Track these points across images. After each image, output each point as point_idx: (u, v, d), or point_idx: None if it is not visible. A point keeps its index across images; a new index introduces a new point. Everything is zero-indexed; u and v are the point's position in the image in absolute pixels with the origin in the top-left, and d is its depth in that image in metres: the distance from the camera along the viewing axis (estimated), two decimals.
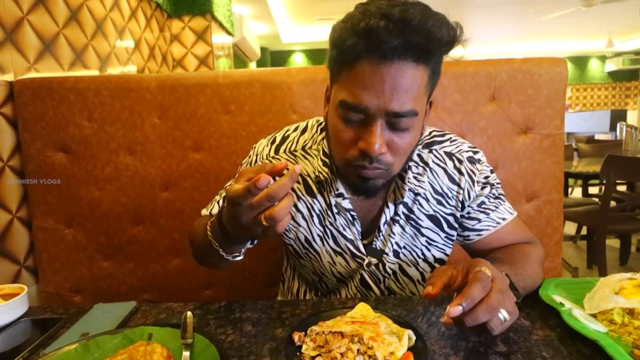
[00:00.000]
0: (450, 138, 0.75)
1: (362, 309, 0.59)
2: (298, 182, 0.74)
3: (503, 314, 0.48)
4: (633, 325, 0.53)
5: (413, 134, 0.61)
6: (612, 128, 6.70)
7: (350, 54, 0.56)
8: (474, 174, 0.72)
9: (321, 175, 0.71)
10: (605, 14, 5.82)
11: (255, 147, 0.80)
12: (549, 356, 0.50)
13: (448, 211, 0.73)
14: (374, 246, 0.73)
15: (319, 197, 0.73)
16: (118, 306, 0.70)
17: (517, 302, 0.54)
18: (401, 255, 0.74)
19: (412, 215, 0.72)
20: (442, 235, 0.74)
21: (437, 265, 0.76)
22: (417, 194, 0.71)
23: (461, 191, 0.72)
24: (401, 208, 0.71)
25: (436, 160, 0.73)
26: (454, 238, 0.76)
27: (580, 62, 9.77)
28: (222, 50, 3.29)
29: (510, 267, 0.61)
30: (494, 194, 0.74)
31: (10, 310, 0.67)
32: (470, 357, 0.51)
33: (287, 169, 0.49)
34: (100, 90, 1.17)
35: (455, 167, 0.72)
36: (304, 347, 0.51)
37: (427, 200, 0.72)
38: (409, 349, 0.50)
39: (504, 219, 0.73)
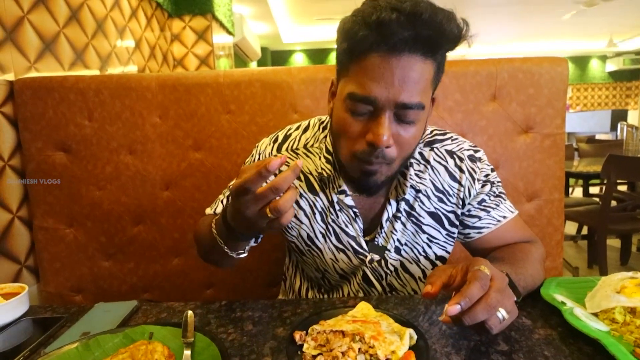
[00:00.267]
0: (452, 137, 0.76)
1: (364, 308, 0.59)
2: (300, 180, 0.75)
3: (502, 313, 0.48)
4: (635, 324, 0.53)
5: (418, 128, 0.61)
6: (613, 128, 6.69)
7: (360, 46, 0.56)
8: (475, 172, 0.73)
9: (324, 172, 0.72)
10: (606, 14, 5.82)
11: (257, 146, 0.80)
12: (550, 355, 0.50)
13: (449, 208, 0.73)
14: (376, 243, 0.73)
15: (321, 194, 0.74)
16: (119, 305, 0.70)
17: (517, 302, 0.54)
18: (402, 252, 0.74)
19: (413, 212, 0.73)
20: (443, 232, 0.74)
21: (438, 262, 0.76)
22: (418, 191, 0.72)
23: (462, 189, 0.73)
24: (403, 205, 0.72)
25: (437, 158, 0.73)
26: (455, 236, 0.76)
27: (581, 62, 9.77)
28: (222, 50, 3.29)
29: (511, 266, 0.61)
30: (494, 192, 0.74)
31: (11, 309, 0.67)
32: (472, 356, 0.51)
33: (288, 164, 0.50)
34: (100, 90, 1.17)
35: (456, 165, 0.73)
36: (305, 346, 0.51)
37: (428, 197, 0.73)
38: (411, 348, 0.50)
39: (504, 217, 0.74)
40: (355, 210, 0.72)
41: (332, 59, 8.36)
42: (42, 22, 1.32)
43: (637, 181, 2.62)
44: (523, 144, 1.14)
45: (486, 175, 0.73)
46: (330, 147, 0.72)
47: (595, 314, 0.57)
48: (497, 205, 0.74)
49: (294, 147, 0.77)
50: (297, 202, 0.75)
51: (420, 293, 0.78)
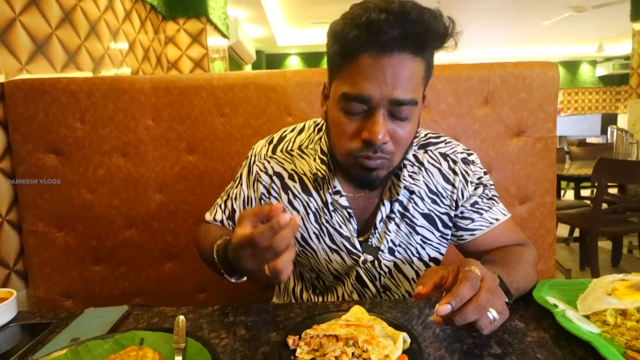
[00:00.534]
0: (445, 140, 0.77)
1: (357, 312, 0.59)
2: (294, 181, 0.76)
3: (492, 314, 0.49)
4: (626, 326, 0.54)
5: (412, 125, 0.62)
6: (603, 131, 6.79)
7: (351, 47, 0.58)
8: (468, 174, 0.74)
9: (319, 173, 0.72)
10: (595, 20, 5.92)
11: (253, 148, 0.81)
12: (543, 357, 0.51)
13: (443, 210, 0.74)
14: (370, 244, 0.73)
15: (315, 195, 0.74)
16: (109, 310, 0.69)
17: (509, 303, 0.55)
18: (396, 253, 0.75)
19: (407, 214, 0.73)
20: (437, 234, 0.75)
21: (432, 264, 0.77)
22: (412, 193, 0.73)
23: (455, 191, 0.73)
24: (397, 206, 0.72)
25: (431, 161, 0.74)
26: (449, 238, 0.77)
27: (572, 66, 9.91)
28: (217, 53, 3.29)
29: (503, 269, 0.61)
30: (487, 195, 0.75)
31: None
32: (465, 359, 0.51)
33: (284, 211, 0.50)
34: (93, 92, 1.16)
35: (449, 167, 0.74)
36: (298, 350, 0.51)
37: (422, 199, 0.73)
38: (404, 351, 0.50)
39: (497, 219, 0.74)
40: (349, 210, 0.72)
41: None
42: (34, 23, 1.31)
43: (627, 184, 2.65)
44: (515, 148, 1.15)
45: (479, 178, 0.74)
46: (325, 148, 0.73)
47: (587, 316, 0.58)
48: (490, 208, 0.74)
49: (289, 148, 0.77)
50: (290, 203, 0.76)
51: (413, 297, 0.78)
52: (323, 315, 0.59)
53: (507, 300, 0.55)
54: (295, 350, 0.51)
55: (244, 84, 1.15)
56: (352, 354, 0.48)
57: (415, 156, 0.74)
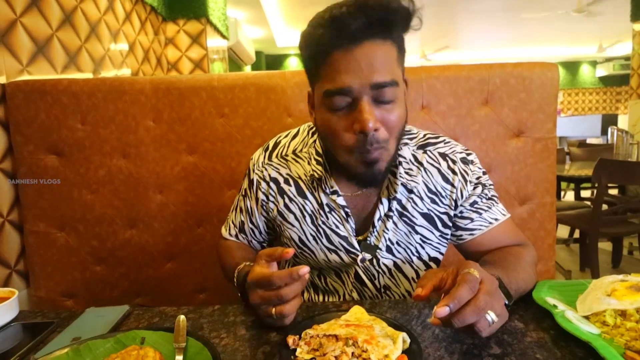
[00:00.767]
0: (444, 140, 0.77)
1: (357, 312, 0.59)
2: (289, 185, 0.77)
3: (491, 316, 0.49)
4: (625, 327, 0.54)
5: (399, 108, 0.63)
6: (604, 132, 6.78)
7: (322, 47, 0.60)
8: (467, 174, 0.74)
9: (315, 174, 0.73)
10: (595, 20, 5.92)
11: (252, 158, 0.83)
12: (542, 358, 0.51)
13: (442, 210, 0.74)
14: (368, 242, 0.74)
15: (311, 197, 0.76)
16: (110, 310, 0.69)
17: (508, 305, 0.55)
18: (395, 252, 0.75)
19: (405, 212, 0.74)
20: (437, 234, 0.75)
21: (431, 263, 0.77)
22: (410, 192, 0.73)
23: (454, 190, 0.74)
24: (395, 204, 0.73)
25: (430, 161, 0.75)
26: (448, 237, 0.77)
27: (572, 67, 9.91)
28: (217, 53, 3.29)
29: (503, 270, 0.61)
30: (486, 195, 0.75)
31: (0, 314, 0.66)
32: (465, 359, 0.51)
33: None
34: (93, 93, 1.17)
35: (449, 167, 0.74)
36: (298, 350, 0.51)
37: (421, 198, 0.74)
38: (404, 351, 0.50)
39: (496, 219, 0.75)
40: (347, 210, 0.73)
41: None
42: (35, 25, 1.31)
43: (628, 185, 2.65)
44: (515, 148, 1.15)
45: (478, 178, 0.75)
46: (320, 149, 0.74)
47: (587, 317, 0.58)
48: (490, 208, 0.75)
49: (284, 153, 0.79)
50: (286, 207, 0.77)
51: (413, 293, 0.78)
52: (323, 315, 0.60)
53: (506, 302, 0.55)
54: (295, 349, 0.52)
55: (244, 85, 1.16)
56: (352, 353, 0.49)
57: (414, 155, 0.74)
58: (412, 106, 1.14)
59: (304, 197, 0.76)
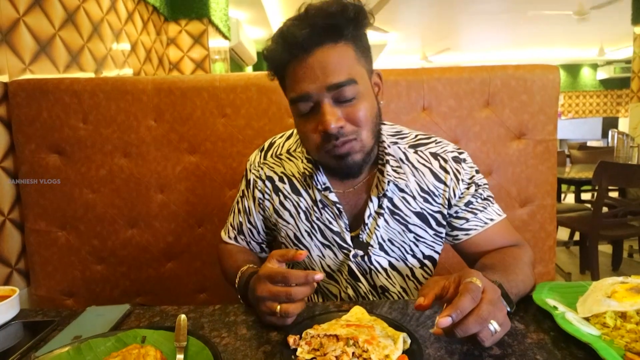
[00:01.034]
0: (436, 140, 0.79)
1: (358, 313, 0.59)
2: (284, 183, 0.80)
3: (494, 326, 0.48)
4: (625, 329, 0.54)
5: (365, 102, 0.65)
6: (604, 135, 6.78)
7: (279, 62, 0.66)
8: (459, 172, 0.75)
9: (306, 171, 0.76)
10: (596, 23, 5.93)
11: (249, 160, 0.86)
12: (542, 359, 0.51)
13: (435, 209, 0.75)
14: (360, 239, 0.75)
15: (305, 194, 0.78)
16: (111, 309, 0.69)
17: (510, 312, 0.55)
18: (389, 250, 0.76)
19: (397, 211, 0.75)
20: (431, 232, 0.76)
21: (426, 261, 0.78)
22: (402, 190, 0.74)
23: (447, 189, 0.75)
24: (385, 202, 0.74)
25: (421, 160, 0.76)
26: (443, 236, 0.78)
27: (573, 69, 9.93)
28: (218, 54, 3.30)
29: (503, 274, 0.61)
30: (481, 195, 0.76)
31: (1, 312, 0.67)
32: None
33: (302, 258, 0.60)
34: (96, 92, 1.17)
35: (440, 166, 0.75)
36: (299, 350, 0.51)
37: (414, 197, 0.75)
38: (404, 352, 0.50)
39: (491, 219, 0.75)
40: (338, 206, 0.75)
41: None
42: (37, 24, 1.31)
43: (628, 187, 2.65)
44: (516, 150, 1.15)
45: (471, 177, 0.75)
46: None
47: (587, 319, 0.58)
48: (485, 208, 0.75)
49: (278, 153, 0.82)
50: (282, 204, 0.80)
51: (409, 291, 0.79)
52: (324, 316, 0.60)
53: (508, 310, 0.54)
54: (296, 349, 0.52)
55: (245, 86, 1.16)
56: (353, 353, 0.49)
57: (405, 154, 0.76)
58: (413, 107, 1.15)
59: (298, 194, 0.78)
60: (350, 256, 0.75)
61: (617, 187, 2.85)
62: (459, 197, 0.75)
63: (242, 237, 0.88)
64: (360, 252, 0.75)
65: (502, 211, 0.77)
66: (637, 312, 0.55)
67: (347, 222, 0.75)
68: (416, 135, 0.79)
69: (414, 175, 0.75)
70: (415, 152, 0.76)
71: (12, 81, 1.17)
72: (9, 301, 0.68)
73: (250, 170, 0.84)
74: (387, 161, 0.73)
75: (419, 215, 0.75)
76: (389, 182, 0.72)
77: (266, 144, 0.85)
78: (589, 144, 5.57)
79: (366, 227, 0.74)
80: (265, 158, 0.83)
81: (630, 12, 3.96)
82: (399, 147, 0.76)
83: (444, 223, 0.76)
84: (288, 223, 0.79)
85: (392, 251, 0.76)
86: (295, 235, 0.79)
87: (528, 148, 1.15)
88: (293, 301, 0.58)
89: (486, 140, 1.15)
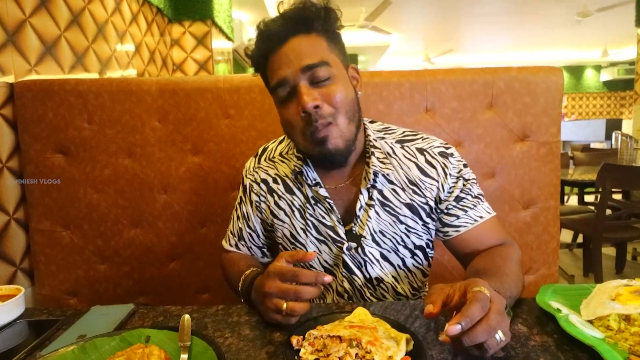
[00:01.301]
0: (422, 136, 0.80)
1: (361, 314, 0.59)
2: (277, 183, 0.82)
3: (499, 335, 0.48)
4: (629, 331, 0.54)
5: (339, 84, 0.69)
6: (608, 137, 6.76)
7: (260, 57, 0.72)
8: (447, 166, 0.76)
9: (296, 168, 0.78)
10: (600, 25, 5.91)
11: (244, 167, 0.89)
12: None
13: (424, 200, 0.77)
14: (353, 232, 0.77)
15: (298, 193, 0.80)
16: (115, 309, 0.70)
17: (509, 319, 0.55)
18: (380, 242, 0.77)
19: (387, 203, 0.76)
20: (420, 223, 0.78)
21: (417, 251, 0.79)
22: (390, 182, 0.76)
23: (435, 183, 0.76)
24: (375, 194, 0.76)
25: (407, 155, 0.77)
26: (431, 226, 0.79)
27: (576, 71, 9.89)
28: (221, 55, 3.31)
29: (497, 279, 0.62)
30: (472, 193, 0.77)
31: (6, 311, 0.67)
32: None
33: (310, 258, 0.63)
34: (100, 93, 1.18)
35: (427, 160, 0.77)
36: (302, 350, 0.51)
37: (403, 189, 0.77)
38: (407, 353, 0.50)
39: (481, 217, 0.76)
40: (329, 201, 0.76)
41: None
42: (43, 25, 1.32)
43: (632, 190, 2.64)
44: (519, 152, 1.15)
45: (459, 171, 0.77)
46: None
47: (591, 321, 0.58)
48: (475, 206, 0.77)
49: (271, 156, 0.86)
50: (277, 204, 0.82)
51: (400, 280, 0.80)
52: (327, 316, 0.60)
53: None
54: (299, 350, 0.52)
55: (249, 87, 1.16)
56: (356, 355, 0.49)
57: (391, 148, 0.78)
58: (416, 109, 1.15)
59: (292, 193, 0.81)
60: (344, 249, 0.77)
61: (621, 189, 2.84)
62: (448, 192, 0.76)
63: (243, 243, 0.89)
64: (354, 245, 0.77)
65: (492, 209, 0.78)
66: None
67: (339, 216, 0.77)
68: (403, 132, 0.81)
69: (402, 168, 0.77)
70: (402, 147, 0.78)
71: (18, 82, 1.18)
72: (15, 300, 0.68)
73: (246, 176, 0.87)
74: (373, 153, 0.75)
75: (409, 206, 0.77)
76: (375, 173, 0.74)
77: (260, 150, 0.89)
78: (593, 145, 5.55)
79: (358, 220, 0.76)
80: (259, 162, 0.86)
81: (634, 14, 3.94)
82: (385, 142, 0.78)
83: (433, 216, 0.78)
84: (284, 222, 0.82)
85: (384, 242, 0.77)
86: (291, 233, 0.81)
87: (531, 150, 1.14)
88: (300, 300, 0.59)
89: (489, 142, 1.15)
